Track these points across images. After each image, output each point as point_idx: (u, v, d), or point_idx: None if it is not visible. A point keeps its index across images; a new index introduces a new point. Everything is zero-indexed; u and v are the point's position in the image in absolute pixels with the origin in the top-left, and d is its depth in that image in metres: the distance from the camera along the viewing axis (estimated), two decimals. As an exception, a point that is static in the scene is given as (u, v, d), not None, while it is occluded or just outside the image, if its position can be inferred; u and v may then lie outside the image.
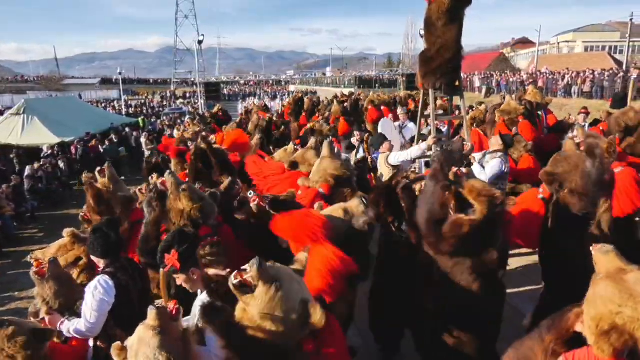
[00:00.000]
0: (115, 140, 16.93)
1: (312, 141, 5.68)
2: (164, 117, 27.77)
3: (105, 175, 4.65)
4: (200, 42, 30.51)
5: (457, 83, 6.44)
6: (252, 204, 3.80)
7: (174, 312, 2.25)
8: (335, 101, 13.30)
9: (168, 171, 4.21)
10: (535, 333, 2.06)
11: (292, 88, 58.64)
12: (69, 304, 3.25)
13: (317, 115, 12.45)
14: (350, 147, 7.95)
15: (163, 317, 2.12)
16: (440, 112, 8.42)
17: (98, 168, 4.75)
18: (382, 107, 11.52)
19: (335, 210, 3.15)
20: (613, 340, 1.69)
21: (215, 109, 16.38)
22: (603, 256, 1.85)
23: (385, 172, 6.06)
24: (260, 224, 3.64)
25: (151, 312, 2.13)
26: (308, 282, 2.57)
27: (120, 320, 3.00)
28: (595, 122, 7.64)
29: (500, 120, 7.59)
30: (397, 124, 8.82)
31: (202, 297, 2.69)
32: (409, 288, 3.51)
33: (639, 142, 5.23)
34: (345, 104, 12.26)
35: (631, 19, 34.73)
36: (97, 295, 2.93)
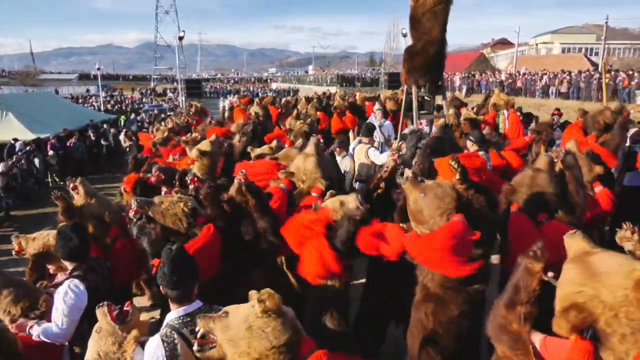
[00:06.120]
0: (87, 139, 15.80)
1: (299, 142, 5.69)
2: (144, 114, 27.33)
3: (79, 192, 4.25)
4: (180, 38, 30.09)
5: (439, 82, 6.51)
6: (236, 181, 3.68)
7: (124, 314, 2.40)
8: (337, 97, 13.08)
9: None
10: (502, 302, 2.08)
11: (274, 86, 58.35)
12: (32, 306, 3.15)
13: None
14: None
15: (102, 316, 2.36)
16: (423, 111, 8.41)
17: (71, 185, 4.32)
18: (367, 103, 11.52)
19: (333, 202, 3.39)
20: (571, 317, 1.70)
21: (193, 109, 15.57)
22: (571, 240, 1.85)
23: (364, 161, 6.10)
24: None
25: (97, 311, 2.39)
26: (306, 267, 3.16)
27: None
28: (565, 124, 7.57)
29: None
30: (376, 122, 8.57)
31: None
32: (399, 286, 3.50)
33: (613, 140, 5.51)
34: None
35: (607, 22, 35.64)
36: (68, 300, 2.80)
